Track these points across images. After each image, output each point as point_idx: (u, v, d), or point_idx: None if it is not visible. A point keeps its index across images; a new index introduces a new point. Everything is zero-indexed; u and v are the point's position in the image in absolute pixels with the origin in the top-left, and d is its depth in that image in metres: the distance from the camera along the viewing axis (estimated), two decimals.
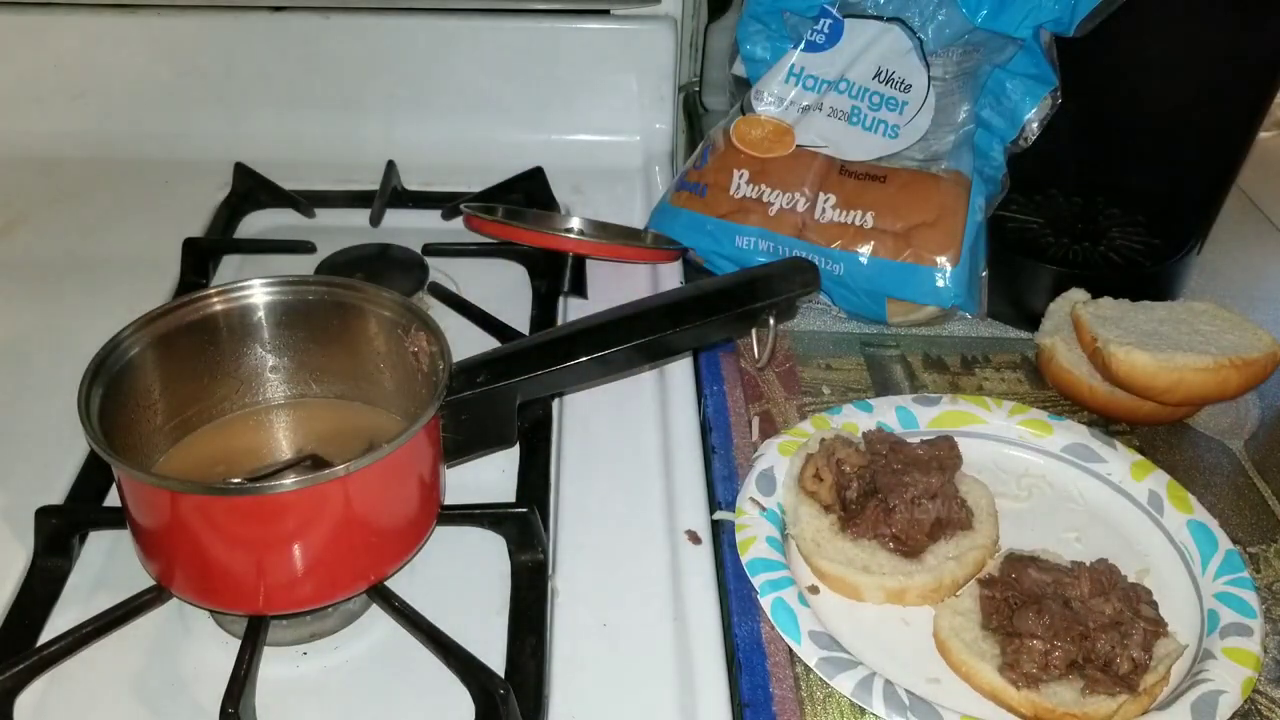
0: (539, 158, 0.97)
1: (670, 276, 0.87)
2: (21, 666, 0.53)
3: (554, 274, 0.85)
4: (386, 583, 0.58)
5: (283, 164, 0.97)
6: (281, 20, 1.02)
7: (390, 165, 0.97)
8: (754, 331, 0.72)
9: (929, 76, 0.80)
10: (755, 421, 0.73)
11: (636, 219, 0.94)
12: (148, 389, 0.61)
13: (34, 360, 0.77)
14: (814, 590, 0.61)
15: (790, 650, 0.57)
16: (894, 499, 0.61)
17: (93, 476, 0.66)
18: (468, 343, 0.72)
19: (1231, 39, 0.80)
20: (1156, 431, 0.73)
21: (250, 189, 0.95)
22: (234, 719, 0.51)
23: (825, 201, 0.80)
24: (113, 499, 0.64)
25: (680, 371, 0.76)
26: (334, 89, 1.04)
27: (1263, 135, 0.85)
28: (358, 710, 0.55)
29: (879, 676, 0.54)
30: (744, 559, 0.60)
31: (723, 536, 0.64)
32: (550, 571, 0.62)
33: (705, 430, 0.72)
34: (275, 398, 0.66)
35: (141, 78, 1.03)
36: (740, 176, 0.83)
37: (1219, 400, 0.72)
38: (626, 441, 0.71)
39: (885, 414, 0.70)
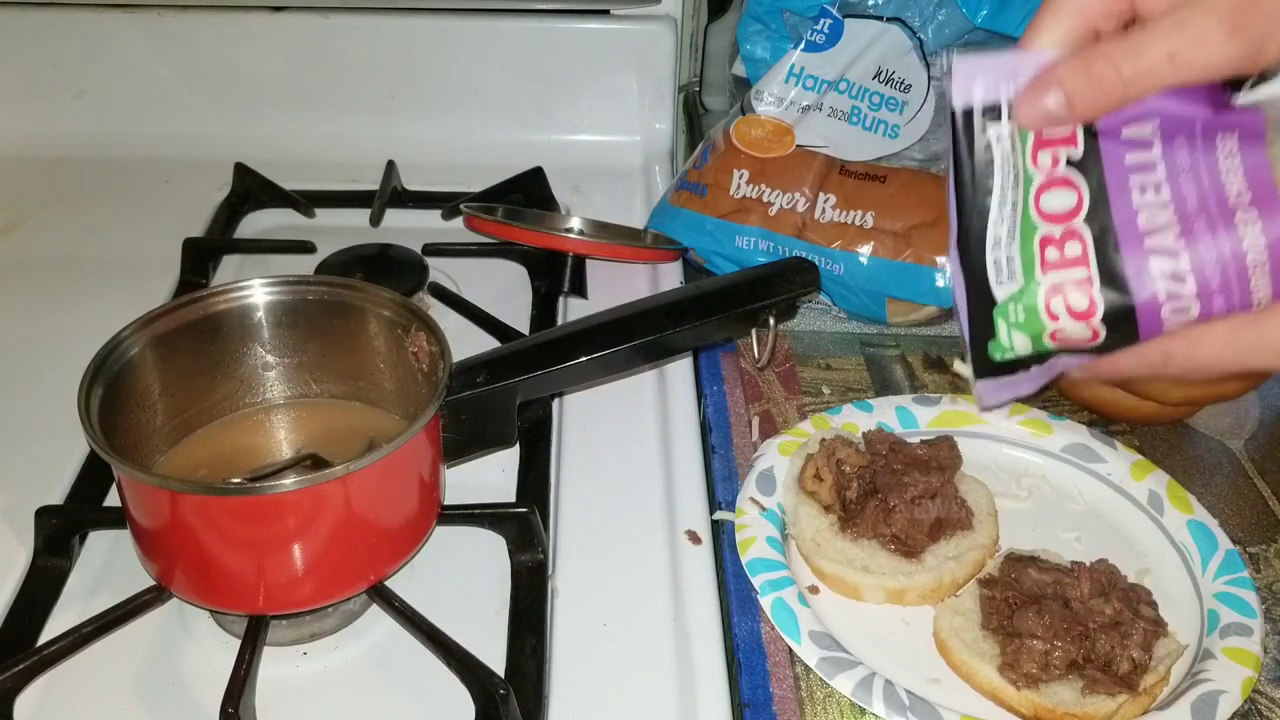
0: (539, 158, 0.97)
1: (670, 276, 0.87)
2: (21, 666, 0.53)
3: (554, 274, 0.85)
4: (386, 583, 0.58)
5: (283, 164, 0.97)
6: (281, 20, 1.02)
7: (390, 165, 0.97)
8: (754, 331, 0.72)
9: (929, 76, 0.80)
10: (755, 421, 0.73)
11: (636, 219, 0.94)
12: (148, 389, 0.61)
13: (34, 360, 0.77)
14: (814, 590, 0.61)
15: (790, 650, 0.57)
16: (894, 499, 0.61)
17: (93, 476, 0.66)
18: (468, 343, 0.72)
19: None
20: (1156, 431, 0.73)
21: (250, 189, 0.95)
22: (234, 719, 0.51)
23: (825, 201, 0.80)
24: (113, 499, 0.64)
25: (680, 371, 0.76)
26: (334, 89, 1.04)
27: None
28: (358, 710, 0.55)
29: (879, 676, 0.54)
30: (744, 559, 0.60)
31: (723, 536, 0.64)
32: (550, 571, 0.62)
33: (705, 430, 0.72)
34: (275, 398, 0.66)
35: (141, 78, 1.03)
36: (740, 176, 0.83)
37: (1219, 400, 0.72)
38: (626, 441, 0.71)
39: (885, 414, 0.70)
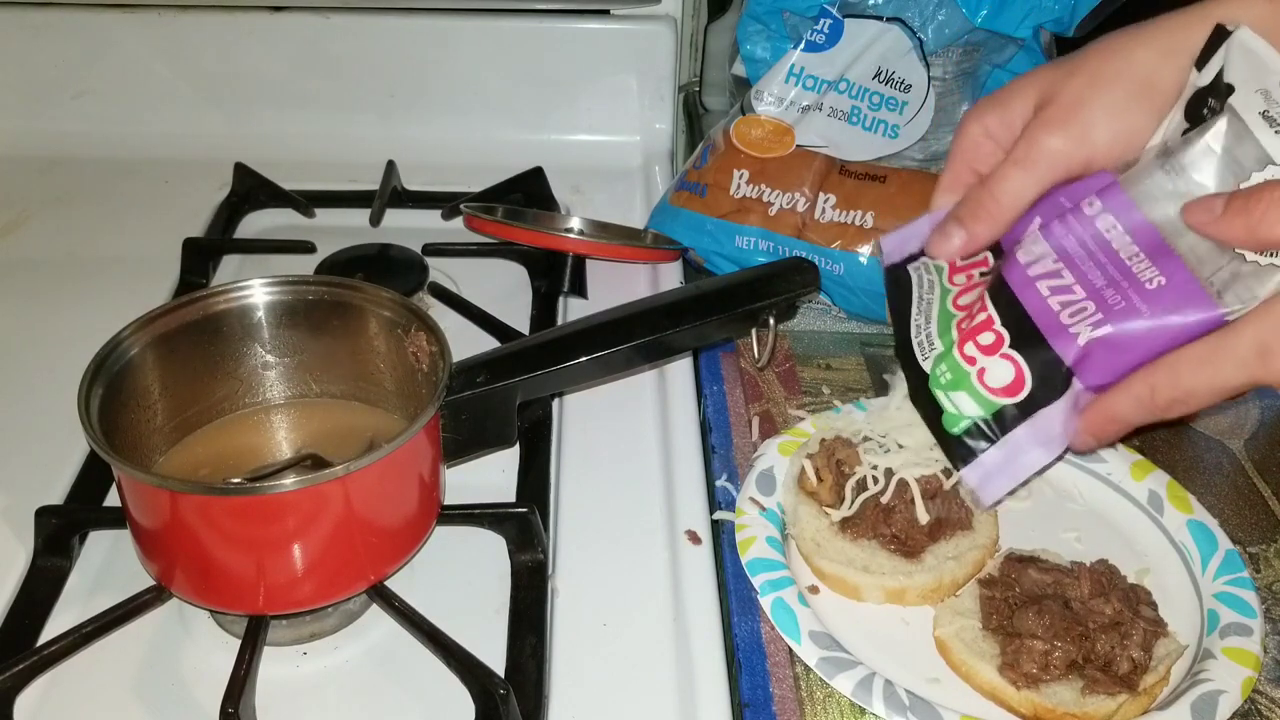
0: (539, 158, 0.97)
1: (670, 276, 0.87)
2: (21, 666, 0.53)
3: (554, 274, 0.85)
4: (386, 583, 0.58)
5: (283, 164, 0.97)
6: (281, 20, 1.02)
7: (390, 165, 0.97)
8: (754, 331, 0.72)
9: (929, 76, 0.80)
10: (755, 421, 0.73)
11: (636, 219, 0.94)
12: (148, 389, 0.61)
13: (34, 360, 0.77)
14: (814, 590, 0.61)
15: (790, 650, 0.57)
16: (893, 499, 0.61)
17: (93, 476, 0.66)
18: (468, 343, 0.72)
19: None
20: (1156, 431, 0.73)
21: (250, 189, 0.95)
22: (234, 719, 0.51)
23: (825, 201, 0.80)
24: (113, 499, 0.64)
25: (680, 371, 0.76)
26: (334, 89, 1.04)
27: None
28: (358, 710, 0.55)
29: (879, 676, 0.54)
30: (744, 559, 0.60)
31: (723, 536, 0.64)
32: (550, 571, 0.62)
33: (705, 430, 0.72)
34: (275, 398, 0.66)
35: (141, 78, 1.03)
36: (740, 176, 0.83)
37: None
38: (626, 441, 0.71)
39: None
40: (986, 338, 0.51)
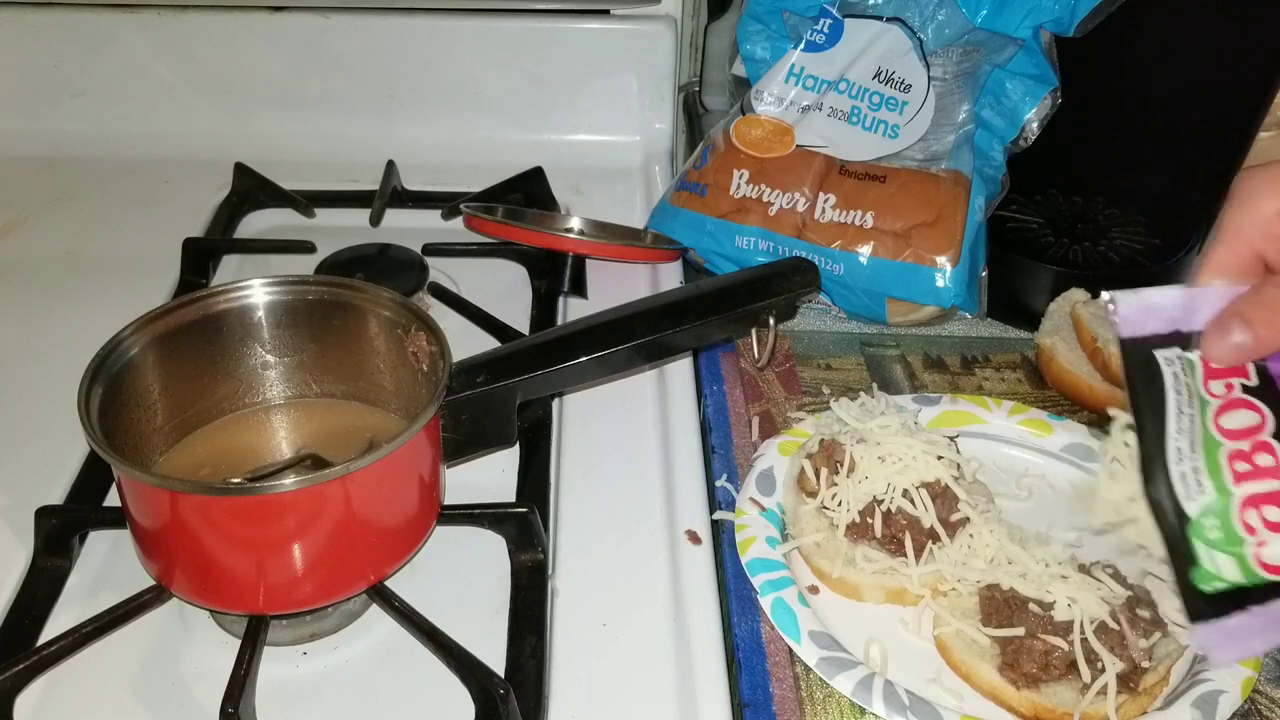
0: (539, 158, 0.97)
1: (670, 276, 0.87)
2: (21, 666, 0.53)
3: (554, 274, 0.85)
4: (386, 583, 0.58)
5: (283, 164, 0.97)
6: (281, 20, 1.02)
7: (390, 165, 0.97)
8: (754, 331, 0.72)
9: (929, 76, 0.80)
10: (755, 421, 0.73)
11: (636, 219, 0.94)
12: (148, 389, 0.61)
13: (34, 360, 0.77)
14: (814, 590, 0.61)
15: (790, 650, 0.57)
16: (894, 500, 0.61)
17: (93, 476, 0.66)
18: (468, 343, 0.72)
19: (1231, 39, 0.80)
20: None
21: (250, 189, 0.95)
22: (234, 719, 0.51)
23: (825, 201, 0.80)
24: (113, 499, 0.64)
25: (680, 371, 0.76)
26: (334, 89, 1.04)
27: (1262, 135, 0.85)
28: (358, 710, 0.55)
29: (879, 676, 0.54)
30: (744, 559, 0.60)
31: (723, 536, 0.64)
32: (550, 571, 0.62)
33: (705, 430, 0.72)
34: (275, 398, 0.66)
35: (141, 78, 1.03)
36: (740, 176, 0.83)
37: None
38: (626, 441, 0.71)
39: None
40: (1277, 514, 0.45)
